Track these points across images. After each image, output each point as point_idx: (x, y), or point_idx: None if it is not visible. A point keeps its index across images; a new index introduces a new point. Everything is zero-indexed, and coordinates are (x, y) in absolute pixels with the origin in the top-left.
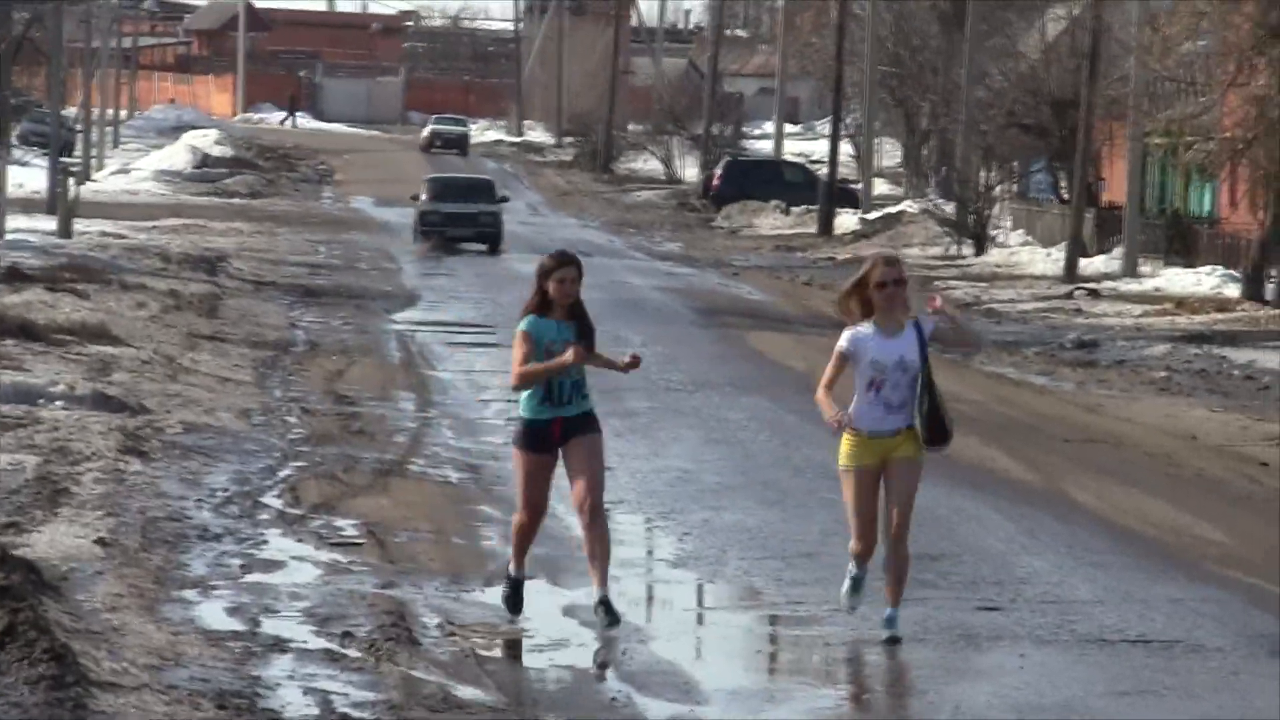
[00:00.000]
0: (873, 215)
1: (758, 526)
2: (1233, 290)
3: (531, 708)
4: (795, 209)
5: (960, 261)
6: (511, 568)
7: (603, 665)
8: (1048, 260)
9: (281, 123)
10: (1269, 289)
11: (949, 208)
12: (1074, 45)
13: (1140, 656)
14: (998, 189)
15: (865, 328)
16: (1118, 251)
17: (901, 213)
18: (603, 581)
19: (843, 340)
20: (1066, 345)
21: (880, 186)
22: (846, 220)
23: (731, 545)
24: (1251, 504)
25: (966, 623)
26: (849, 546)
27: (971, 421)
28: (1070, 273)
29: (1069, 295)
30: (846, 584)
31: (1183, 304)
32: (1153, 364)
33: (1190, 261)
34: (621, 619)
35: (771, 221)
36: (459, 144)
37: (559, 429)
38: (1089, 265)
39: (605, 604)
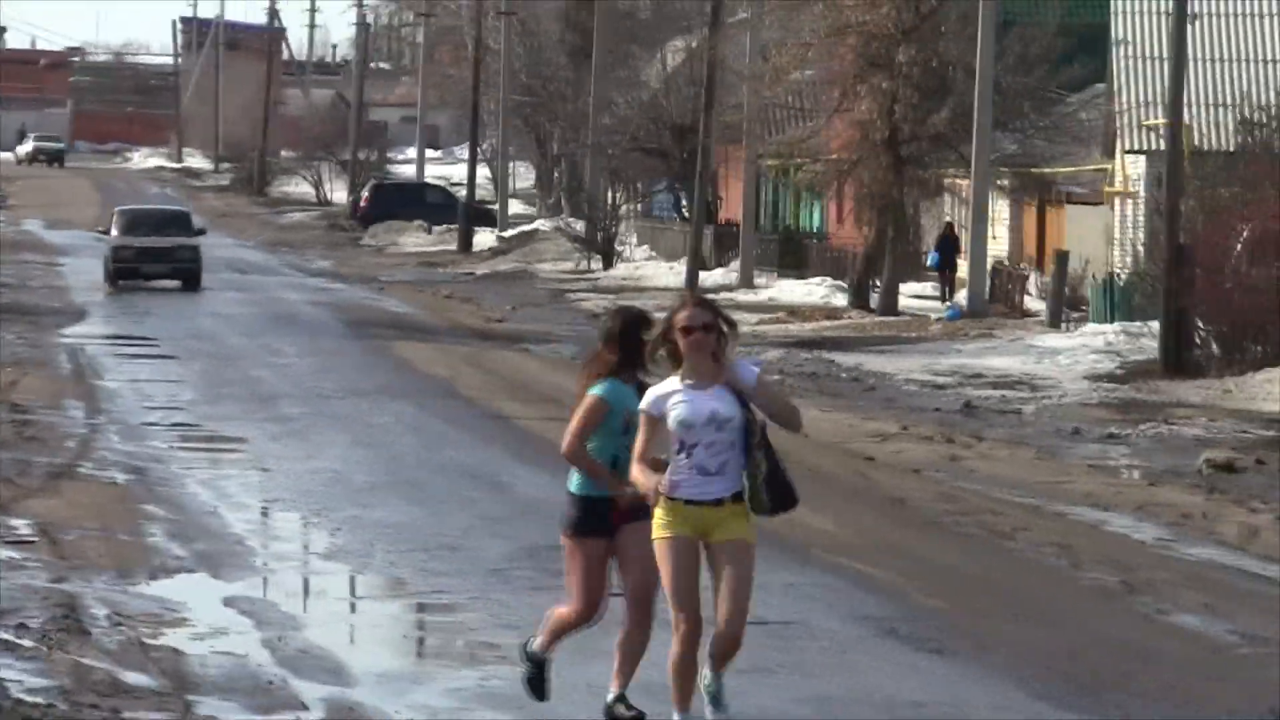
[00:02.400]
0: (509, 233)
1: (403, 522)
2: (840, 299)
3: (193, 691)
4: (437, 228)
5: (590, 275)
6: (537, 643)
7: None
8: (671, 273)
9: None
10: (873, 298)
11: (579, 225)
12: (692, 75)
13: (759, 638)
14: (624, 208)
15: (669, 383)
16: (735, 265)
17: (535, 230)
18: (625, 681)
19: (644, 401)
20: None
21: (516, 206)
22: (484, 238)
23: (379, 539)
24: (858, 496)
25: None
26: (676, 629)
27: None
28: (692, 285)
29: None
30: (709, 698)
31: (795, 312)
32: (768, 366)
33: (802, 273)
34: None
35: (415, 240)
36: (57, 158)
37: (622, 506)
38: (709, 277)
39: (624, 700)
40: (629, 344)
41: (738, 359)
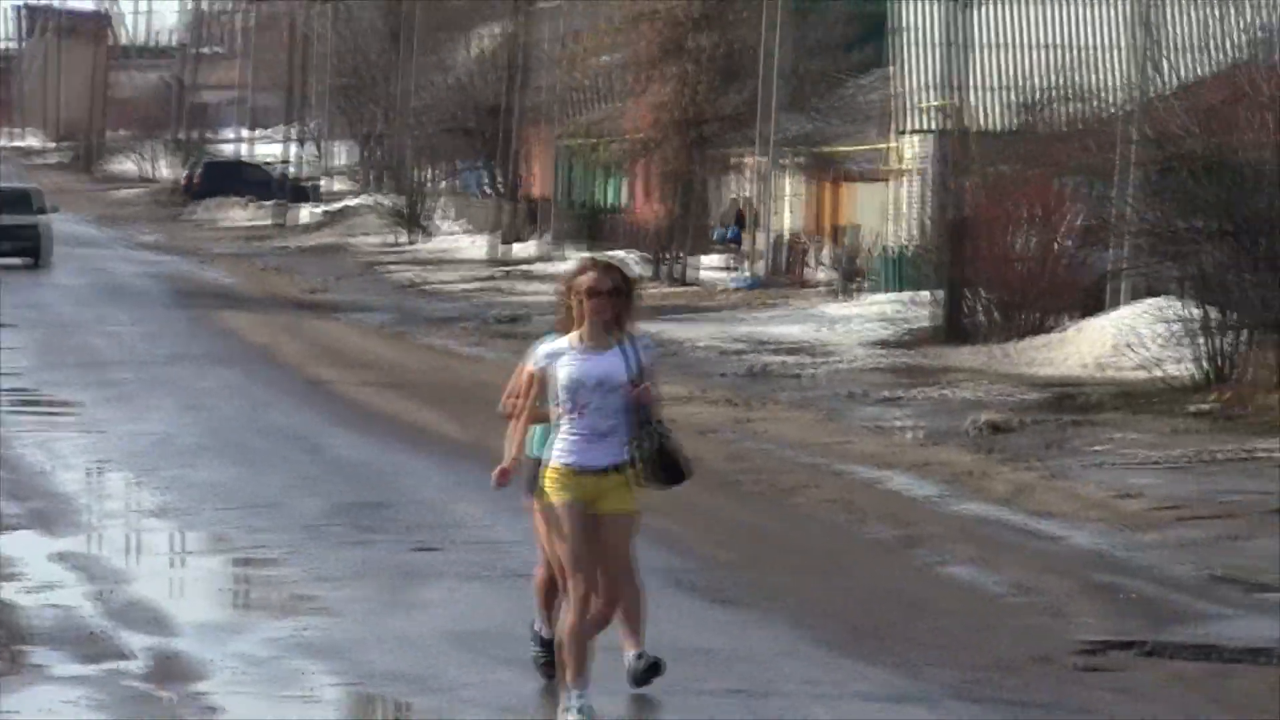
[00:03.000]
0: (328, 209)
1: (226, 481)
2: (639, 271)
3: (23, 641)
4: (260, 204)
5: (405, 248)
6: (542, 627)
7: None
8: (479, 246)
9: None
10: (669, 269)
11: (393, 202)
12: (500, 59)
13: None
14: (437, 184)
15: (562, 342)
16: (540, 238)
17: (353, 206)
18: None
19: (532, 359)
20: (495, 320)
21: (336, 183)
22: (304, 214)
23: (205, 498)
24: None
25: (406, 562)
26: (572, 594)
27: (413, 388)
28: (499, 256)
29: (498, 276)
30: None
31: None
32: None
33: (604, 246)
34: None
35: (239, 215)
36: None
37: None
38: (515, 250)
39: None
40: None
41: (639, 335)
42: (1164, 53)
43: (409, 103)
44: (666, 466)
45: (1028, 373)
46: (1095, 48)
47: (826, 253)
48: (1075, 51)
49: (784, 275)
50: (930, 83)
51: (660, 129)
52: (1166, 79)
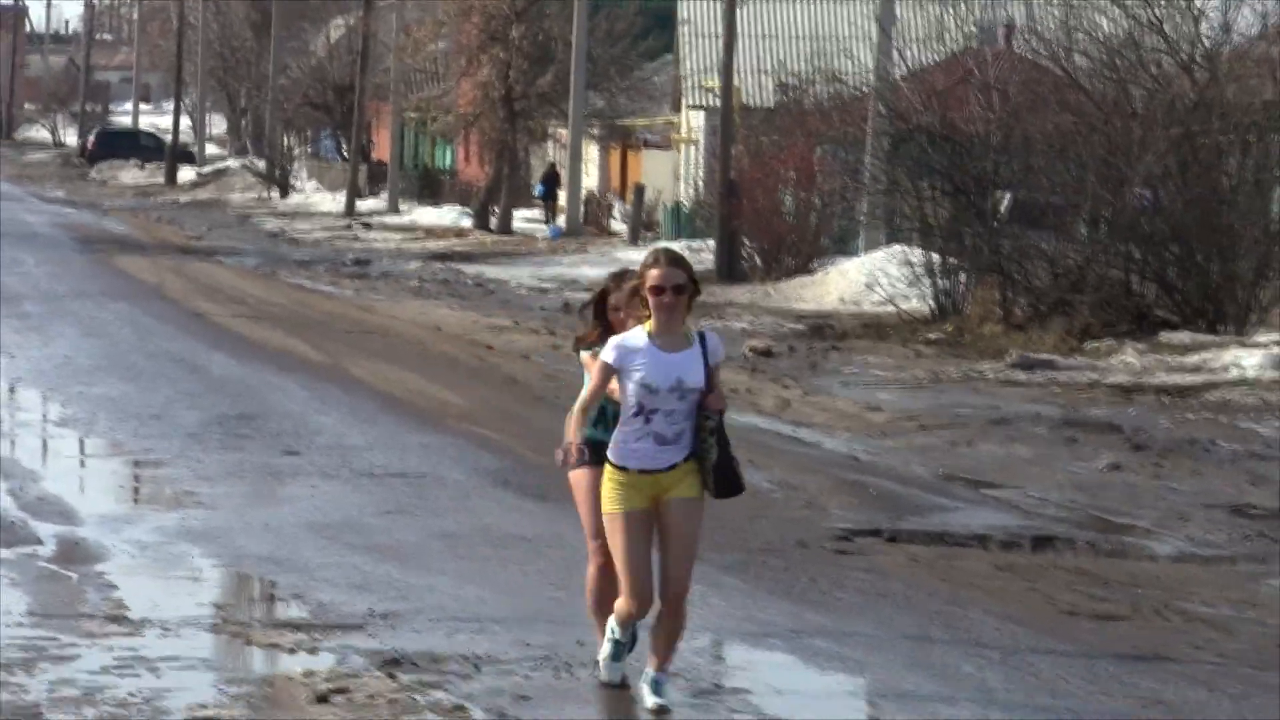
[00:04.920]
0: (206, 170)
1: (120, 396)
2: (467, 222)
3: None
4: (150, 165)
5: (270, 203)
6: (601, 640)
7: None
8: (334, 202)
9: None
10: (492, 221)
11: (261, 164)
12: (351, 46)
13: (400, 486)
14: (296, 150)
15: (638, 336)
16: (384, 195)
17: (227, 168)
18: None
19: (608, 350)
20: (347, 263)
21: (212, 149)
22: (186, 174)
23: (102, 410)
24: (480, 376)
25: (273, 464)
26: (617, 607)
27: (279, 319)
28: (350, 210)
29: (348, 227)
30: (607, 649)
31: (431, 232)
32: (409, 275)
33: (437, 202)
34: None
35: (132, 175)
36: None
37: None
38: (363, 205)
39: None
40: (600, 316)
41: (709, 331)
42: (901, 43)
43: (274, 82)
44: (721, 479)
45: (790, 307)
46: (845, 38)
47: (622, 208)
48: (828, 41)
49: (587, 226)
50: (708, 67)
51: (483, 105)
52: (903, 64)
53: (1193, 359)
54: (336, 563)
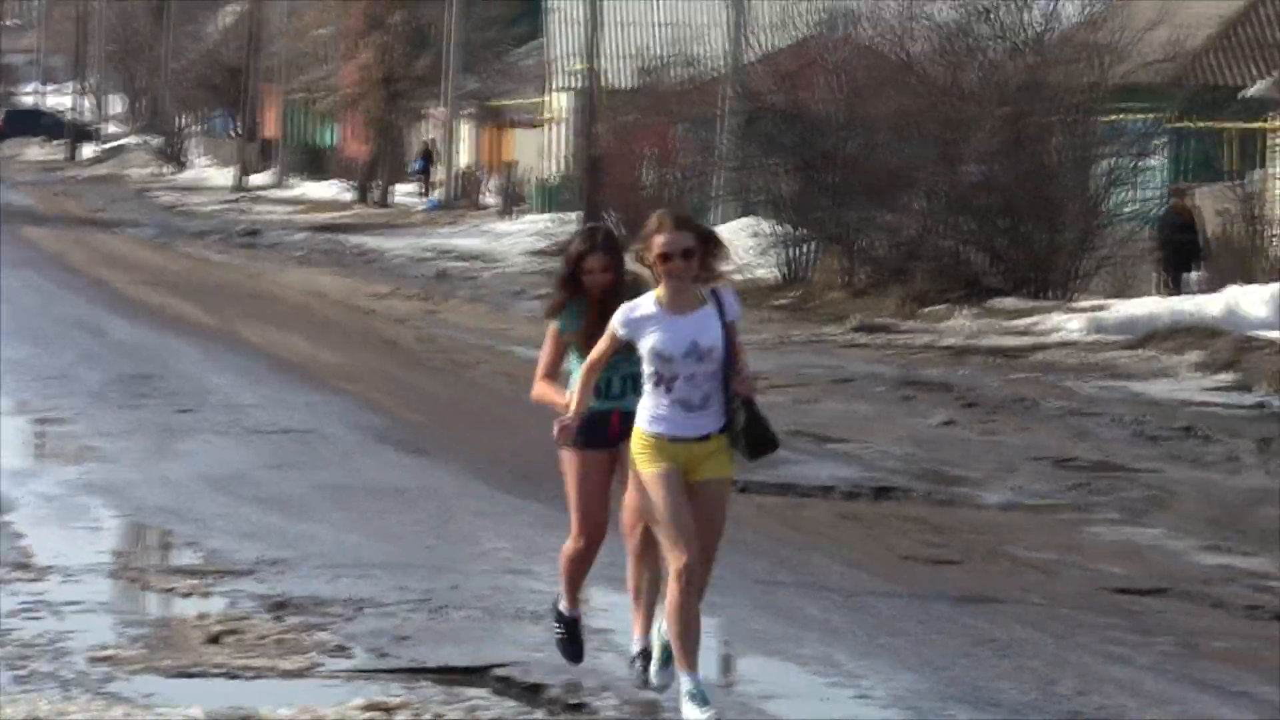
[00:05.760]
0: (106, 147)
1: (26, 358)
2: (349, 196)
3: None
4: (53, 143)
5: (166, 178)
6: (563, 604)
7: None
8: (225, 176)
9: None
10: (373, 195)
11: (158, 141)
12: (242, 30)
13: (287, 442)
14: (191, 128)
15: (646, 303)
16: (273, 170)
17: (126, 145)
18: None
19: (617, 320)
20: (238, 234)
21: (111, 127)
22: (88, 151)
23: (8, 371)
24: (361, 339)
25: (170, 421)
26: (674, 564)
27: (174, 286)
28: (240, 185)
29: (238, 200)
30: (658, 653)
31: (316, 205)
32: (296, 245)
33: (321, 177)
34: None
35: (36, 152)
36: None
37: (618, 421)
38: (253, 180)
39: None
40: (571, 280)
41: (725, 287)
42: (753, 29)
43: (170, 64)
44: (753, 441)
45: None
46: (701, 25)
47: (494, 183)
48: (685, 28)
49: (462, 200)
50: (574, 51)
51: (365, 86)
52: (755, 49)
53: (1020, 323)
54: (228, 513)
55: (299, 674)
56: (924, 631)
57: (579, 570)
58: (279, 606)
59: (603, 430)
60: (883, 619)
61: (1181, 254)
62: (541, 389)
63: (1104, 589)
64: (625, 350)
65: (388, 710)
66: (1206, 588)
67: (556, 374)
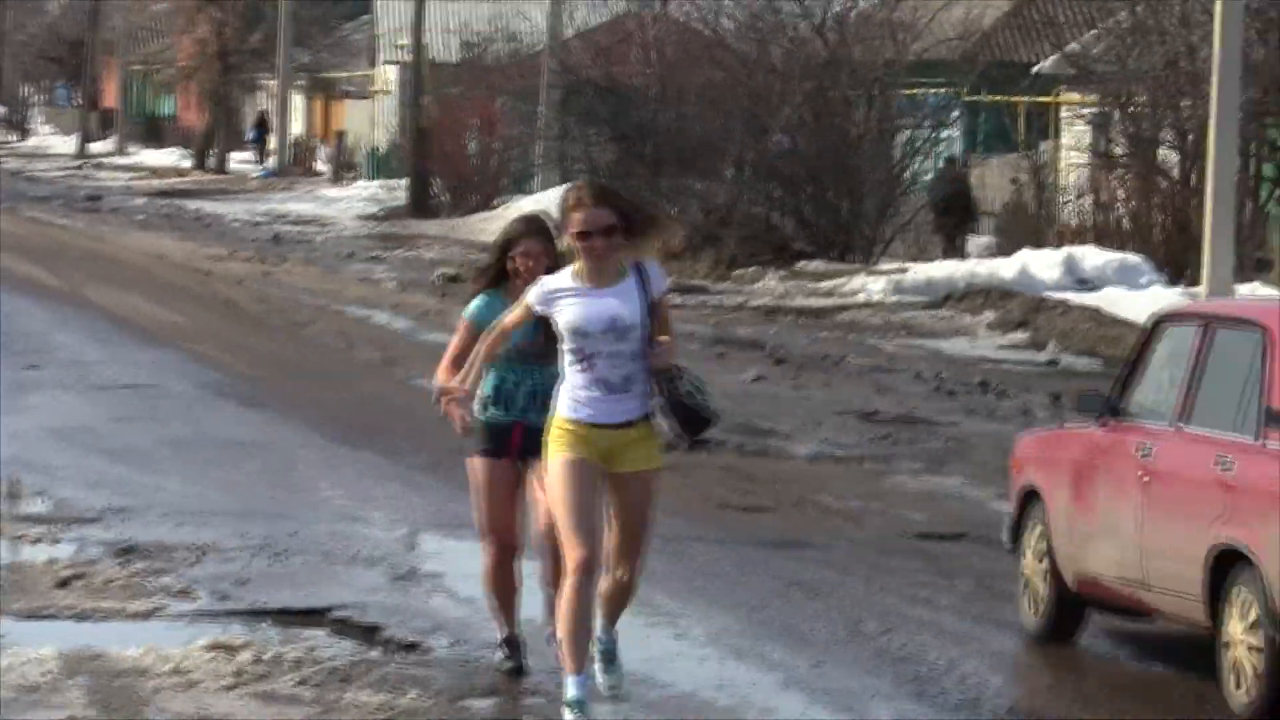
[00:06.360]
0: None
1: None
2: (187, 163)
3: None
4: None
5: (11, 146)
6: (497, 631)
7: None
8: (68, 144)
9: None
10: (209, 162)
11: (2, 111)
12: (82, 5)
13: (131, 396)
14: (34, 99)
15: (563, 276)
16: (113, 139)
17: None
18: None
19: (532, 293)
20: (80, 199)
21: None
22: None
23: None
24: (200, 299)
25: (18, 378)
26: (570, 560)
27: (19, 249)
28: (82, 152)
29: (80, 167)
30: (598, 657)
31: (155, 172)
32: (136, 210)
33: (160, 145)
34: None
35: None
36: None
37: (520, 436)
38: (95, 147)
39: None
40: (496, 266)
41: (649, 260)
42: (571, 5)
43: (12, 37)
44: (681, 420)
45: (475, 239)
46: (522, 1)
47: (325, 151)
48: (507, 3)
49: (295, 167)
50: (400, 26)
51: (200, 59)
52: (572, 26)
53: (826, 285)
54: (75, 464)
55: (145, 616)
56: (738, 574)
57: (501, 585)
58: (125, 552)
59: (504, 440)
60: (699, 563)
61: (957, 219)
62: (441, 374)
63: (907, 534)
64: (534, 357)
65: (231, 650)
66: (1002, 533)
67: (461, 364)
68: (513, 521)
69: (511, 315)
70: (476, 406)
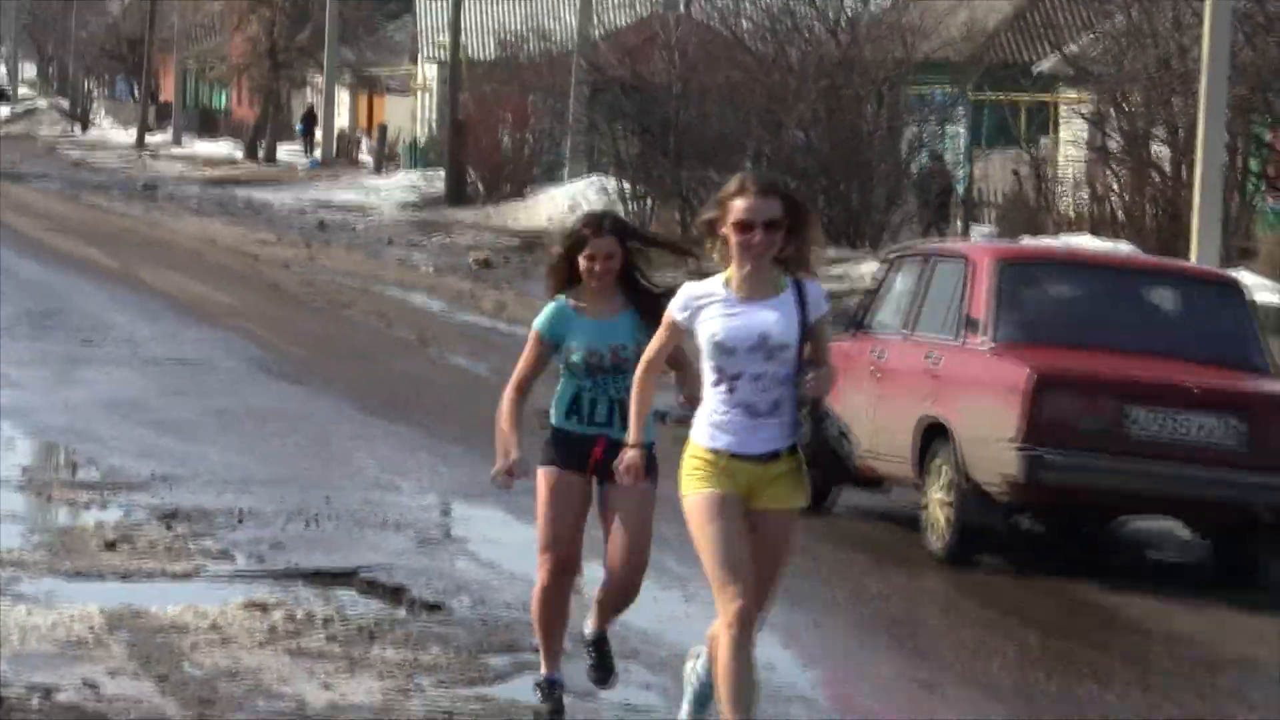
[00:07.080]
0: (19, 109)
1: None
2: (238, 154)
3: None
4: None
5: (74, 137)
6: (542, 667)
7: None
8: (126, 136)
9: None
10: (259, 153)
11: (66, 104)
12: (142, 5)
13: (179, 371)
14: (96, 93)
15: (713, 284)
16: (169, 131)
17: (37, 107)
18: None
19: (676, 303)
20: (137, 187)
21: (24, 90)
22: (3, 111)
23: None
24: (247, 281)
25: (73, 353)
26: (725, 613)
27: (80, 233)
28: (140, 143)
29: (138, 157)
30: (690, 695)
31: (209, 162)
32: (190, 198)
33: (213, 137)
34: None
35: None
36: None
37: (603, 451)
38: (152, 139)
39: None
40: (567, 269)
41: (810, 278)
42: (600, 8)
43: (76, 35)
44: (828, 466)
45: (507, 226)
46: (554, 3)
47: (368, 143)
48: (540, 5)
49: (340, 158)
50: (440, 26)
51: (251, 56)
52: (601, 27)
53: (837, 270)
54: (125, 435)
55: (186, 576)
56: None
57: (551, 611)
58: (169, 516)
59: (582, 453)
60: None
61: (939, 210)
62: (503, 413)
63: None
64: (611, 370)
65: (265, 608)
66: None
67: (530, 387)
68: (575, 546)
69: (657, 341)
70: (551, 411)
